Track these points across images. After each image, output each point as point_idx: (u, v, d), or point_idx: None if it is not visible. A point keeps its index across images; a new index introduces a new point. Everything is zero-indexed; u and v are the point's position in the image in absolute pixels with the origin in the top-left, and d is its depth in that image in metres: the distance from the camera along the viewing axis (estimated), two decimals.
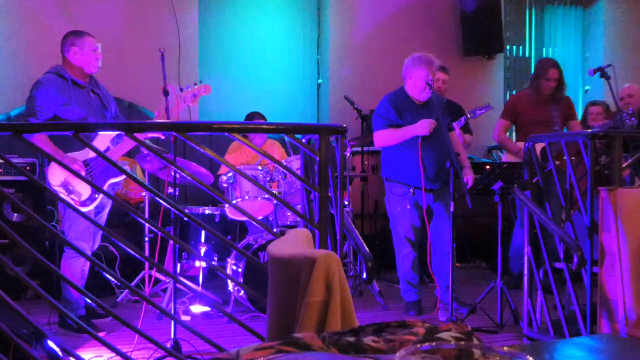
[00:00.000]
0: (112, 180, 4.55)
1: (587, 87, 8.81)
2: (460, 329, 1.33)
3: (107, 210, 4.76)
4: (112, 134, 4.46)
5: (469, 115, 5.56)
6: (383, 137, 5.08)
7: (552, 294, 4.20)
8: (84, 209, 4.35)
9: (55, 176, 4.45)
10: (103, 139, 4.47)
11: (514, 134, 6.45)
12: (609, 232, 3.65)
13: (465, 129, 6.04)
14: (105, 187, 4.50)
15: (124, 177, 4.72)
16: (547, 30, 8.84)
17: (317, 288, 1.79)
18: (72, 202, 4.34)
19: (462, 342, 1.32)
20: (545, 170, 4.63)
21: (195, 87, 4.63)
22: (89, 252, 4.56)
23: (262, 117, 6.16)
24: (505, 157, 6.07)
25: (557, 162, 4.39)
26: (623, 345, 2.63)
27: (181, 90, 4.64)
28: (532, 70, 8.45)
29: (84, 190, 4.45)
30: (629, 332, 3.43)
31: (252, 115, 6.19)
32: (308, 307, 1.77)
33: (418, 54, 5.11)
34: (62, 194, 4.35)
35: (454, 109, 5.92)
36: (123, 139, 4.45)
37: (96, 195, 4.47)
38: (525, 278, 4.38)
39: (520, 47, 8.70)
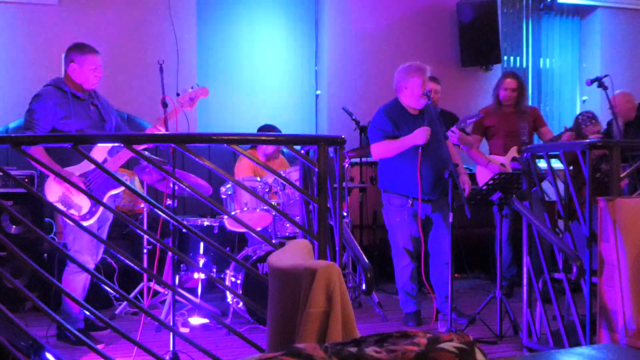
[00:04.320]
0: (112, 192, 4.53)
1: (584, 97, 8.83)
2: (462, 338, 1.33)
3: (109, 222, 4.74)
4: (109, 145, 4.46)
5: (462, 125, 5.59)
6: (381, 149, 5.08)
7: (551, 305, 4.20)
8: (84, 223, 4.33)
9: (53, 192, 4.42)
10: (100, 151, 4.46)
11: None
12: (607, 242, 3.65)
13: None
14: (105, 199, 4.48)
15: (123, 188, 4.71)
16: (544, 41, 8.88)
17: (318, 299, 1.79)
18: (72, 216, 4.32)
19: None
20: (542, 181, 4.64)
21: (192, 90, 4.60)
22: (91, 265, 4.55)
23: (276, 129, 6.13)
24: (479, 171, 6.09)
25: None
26: (623, 355, 2.63)
27: (178, 95, 4.62)
28: (530, 81, 8.54)
29: (84, 204, 4.43)
30: (629, 343, 3.43)
31: (269, 128, 6.14)
32: (309, 318, 1.77)
33: (408, 64, 5.15)
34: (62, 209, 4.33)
35: (448, 118, 5.95)
36: (120, 151, 4.45)
37: (95, 209, 4.45)
38: (525, 288, 4.38)
39: (518, 58, 8.74)
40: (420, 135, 4.90)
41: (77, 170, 4.45)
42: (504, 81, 6.04)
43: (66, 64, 4.58)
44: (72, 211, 4.40)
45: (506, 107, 6.00)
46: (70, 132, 4.44)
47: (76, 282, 4.52)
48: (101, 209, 4.46)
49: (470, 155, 6.13)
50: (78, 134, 4.41)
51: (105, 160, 4.48)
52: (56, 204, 4.35)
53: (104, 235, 4.68)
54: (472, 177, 6.79)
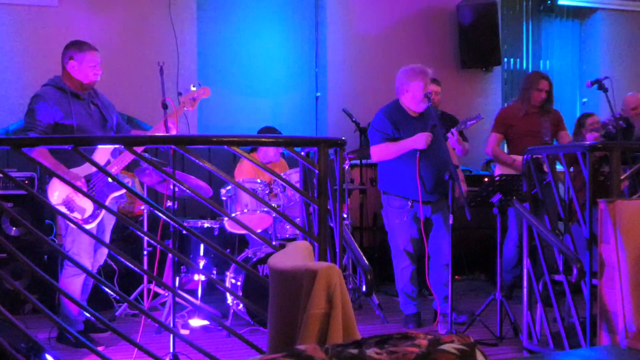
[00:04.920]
0: (115, 194, 4.51)
1: (584, 99, 8.83)
2: (463, 340, 1.33)
3: (112, 224, 4.72)
4: (111, 147, 4.45)
5: (462, 127, 5.60)
6: (381, 151, 5.08)
7: (551, 307, 4.20)
8: (87, 227, 4.31)
9: (56, 194, 4.40)
10: (104, 152, 4.45)
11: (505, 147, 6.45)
12: (608, 244, 3.65)
13: (461, 137, 6.08)
14: (107, 202, 4.46)
15: (125, 190, 4.70)
16: (544, 43, 8.88)
17: (319, 300, 1.79)
18: (74, 219, 4.30)
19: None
20: (543, 182, 4.64)
21: (194, 90, 4.60)
22: (90, 268, 4.53)
23: (276, 132, 6.13)
24: (498, 170, 6.08)
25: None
26: (623, 357, 2.63)
27: (180, 94, 4.61)
28: None
29: (87, 206, 4.42)
30: (629, 344, 3.42)
31: (269, 130, 6.14)
32: (309, 320, 1.77)
33: (410, 67, 5.14)
34: (65, 212, 4.32)
35: (449, 120, 5.94)
36: (123, 152, 4.43)
37: (98, 211, 4.43)
38: (525, 290, 4.38)
39: (518, 60, 8.74)
40: (420, 140, 4.91)
41: (81, 171, 4.42)
42: (539, 82, 5.96)
43: (65, 61, 4.55)
44: (75, 214, 4.37)
45: (531, 108, 5.97)
46: (72, 129, 4.41)
47: (74, 285, 4.51)
48: (104, 211, 4.44)
49: (493, 153, 6.09)
50: (79, 133, 4.40)
51: (108, 162, 4.47)
52: (59, 207, 4.32)
53: (107, 239, 4.66)
54: (472, 179, 6.80)
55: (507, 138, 6.13)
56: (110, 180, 4.31)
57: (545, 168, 4.85)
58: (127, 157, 4.42)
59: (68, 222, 4.37)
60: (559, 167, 6.09)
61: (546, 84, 5.98)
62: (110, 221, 4.70)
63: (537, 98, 5.94)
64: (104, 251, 4.72)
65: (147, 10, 7.07)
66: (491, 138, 6.13)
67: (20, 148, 3.07)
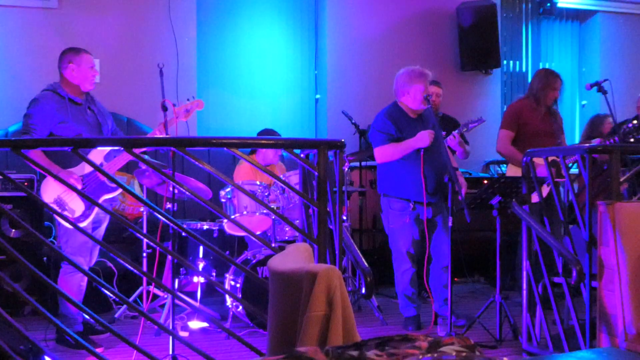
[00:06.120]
0: (106, 197, 4.54)
1: (584, 102, 8.84)
2: (463, 342, 1.33)
3: (104, 225, 4.74)
4: (105, 150, 4.47)
5: (464, 129, 5.59)
6: (385, 153, 5.05)
7: (551, 309, 4.19)
8: (79, 225, 4.33)
9: (49, 193, 4.45)
10: (96, 156, 4.46)
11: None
12: (607, 246, 3.65)
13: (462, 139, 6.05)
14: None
15: (117, 193, 4.71)
16: (544, 45, 8.89)
17: (319, 302, 1.79)
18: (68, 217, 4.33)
19: (464, 354, 1.32)
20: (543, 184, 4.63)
21: (188, 102, 4.64)
22: (85, 267, 4.54)
23: (275, 134, 6.13)
24: (510, 170, 5.94)
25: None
26: (622, 359, 2.63)
27: (174, 105, 4.65)
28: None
29: (78, 206, 4.45)
30: (629, 347, 3.42)
31: (268, 132, 6.13)
32: (309, 322, 1.77)
33: (411, 69, 5.11)
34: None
35: (450, 123, 5.93)
36: (117, 156, 4.47)
37: (89, 212, 4.47)
38: (524, 293, 4.38)
39: (517, 62, 8.74)
40: (424, 138, 4.90)
41: (75, 172, 4.46)
42: (555, 81, 5.73)
43: (63, 66, 4.60)
44: (65, 213, 4.41)
45: (542, 107, 5.72)
46: (68, 136, 4.46)
47: (71, 283, 4.53)
48: (94, 212, 4.48)
49: (506, 152, 5.82)
50: (77, 137, 4.42)
51: (101, 165, 4.48)
52: (51, 205, 4.35)
53: (99, 238, 4.67)
54: (471, 181, 6.80)
55: (518, 136, 5.76)
56: (104, 181, 4.36)
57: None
58: (121, 160, 4.45)
59: (61, 222, 4.40)
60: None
61: (560, 83, 5.78)
62: (105, 220, 4.72)
63: (552, 97, 5.73)
64: (95, 252, 4.75)
65: (146, 11, 7.07)
66: (502, 135, 5.76)
67: (20, 149, 3.07)
